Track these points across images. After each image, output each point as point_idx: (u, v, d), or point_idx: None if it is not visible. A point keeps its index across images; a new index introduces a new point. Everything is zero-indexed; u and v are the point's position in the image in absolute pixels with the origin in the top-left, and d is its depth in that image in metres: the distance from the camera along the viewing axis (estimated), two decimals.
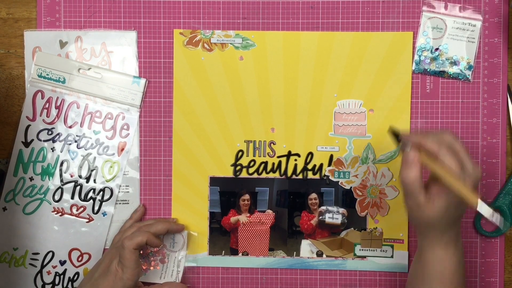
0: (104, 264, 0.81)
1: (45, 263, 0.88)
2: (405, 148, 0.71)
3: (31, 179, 0.87)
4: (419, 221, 0.72)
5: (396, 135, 0.74)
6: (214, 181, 0.88)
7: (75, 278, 0.88)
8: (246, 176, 0.88)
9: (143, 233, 0.79)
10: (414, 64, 0.87)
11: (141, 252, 0.86)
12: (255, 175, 0.88)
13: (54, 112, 0.87)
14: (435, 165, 0.69)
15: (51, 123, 0.88)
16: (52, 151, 0.88)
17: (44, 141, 0.88)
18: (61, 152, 0.88)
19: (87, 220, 0.88)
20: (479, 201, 0.66)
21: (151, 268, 0.87)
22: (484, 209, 0.67)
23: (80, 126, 0.88)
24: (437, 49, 0.87)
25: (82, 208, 0.88)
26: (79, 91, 0.87)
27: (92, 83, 0.87)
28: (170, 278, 0.87)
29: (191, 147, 0.88)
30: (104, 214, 0.88)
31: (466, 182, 0.67)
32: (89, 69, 0.87)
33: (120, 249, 0.79)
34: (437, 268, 0.72)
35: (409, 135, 0.72)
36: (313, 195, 0.88)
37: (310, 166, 0.88)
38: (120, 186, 0.88)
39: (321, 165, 0.88)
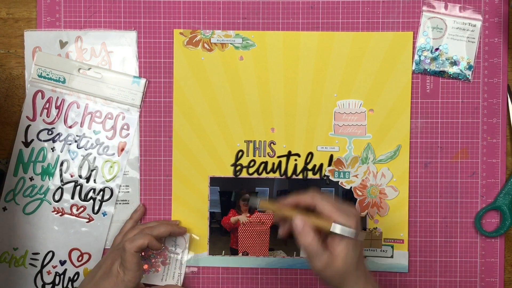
0: (105, 265, 0.81)
1: (45, 263, 0.88)
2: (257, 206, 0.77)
3: (31, 179, 0.87)
4: (334, 280, 0.72)
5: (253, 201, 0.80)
6: (214, 181, 0.88)
7: (75, 278, 0.88)
8: (246, 176, 0.88)
9: (145, 236, 0.79)
10: (414, 64, 0.87)
11: (143, 253, 0.86)
12: (255, 175, 0.88)
13: (54, 112, 0.87)
14: (321, 222, 0.71)
15: (51, 123, 0.88)
16: (52, 151, 0.88)
17: (44, 141, 0.88)
18: (61, 152, 0.88)
19: (87, 220, 0.88)
20: (332, 224, 0.70)
21: (153, 269, 0.87)
22: (337, 228, 0.70)
23: (80, 126, 0.88)
24: (437, 49, 0.87)
25: (82, 208, 0.88)
26: (79, 91, 0.87)
27: (92, 83, 0.87)
28: (171, 281, 0.87)
29: (191, 147, 0.88)
30: (104, 214, 0.88)
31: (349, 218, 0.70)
32: (89, 69, 0.87)
33: (121, 252, 0.79)
34: None
35: (283, 202, 0.75)
36: None
37: (310, 166, 0.88)
38: (120, 186, 0.88)
39: (321, 165, 0.88)
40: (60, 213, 0.88)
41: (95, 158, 0.88)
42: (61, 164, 0.88)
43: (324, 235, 0.72)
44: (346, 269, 0.71)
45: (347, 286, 0.72)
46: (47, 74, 0.87)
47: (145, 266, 0.87)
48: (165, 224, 0.85)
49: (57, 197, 0.88)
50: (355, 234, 0.70)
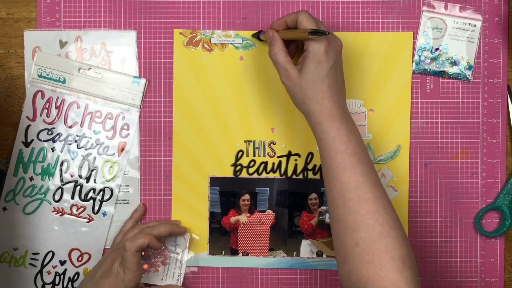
0: (105, 264, 0.81)
1: (45, 263, 0.88)
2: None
3: (31, 179, 0.87)
4: (296, 96, 0.75)
5: (257, 35, 0.85)
6: (214, 181, 0.88)
7: (75, 278, 0.88)
8: (246, 176, 0.88)
9: (145, 236, 0.79)
10: (414, 64, 0.87)
11: (143, 253, 0.86)
12: (255, 175, 0.88)
13: (54, 112, 0.87)
14: (287, 32, 0.77)
15: (51, 123, 0.88)
16: (52, 151, 0.88)
17: (44, 141, 0.88)
18: (61, 152, 0.88)
19: (87, 220, 0.88)
20: (309, 31, 0.72)
21: (153, 268, 0.87)
22: (314, 31, 0.72)
23: (80, 126, 0.88)
24: (437, 49, 0.87)
25: (82, 208, 0.88)
26: (79, 91, 0.87)
27: (92, 83, 0.87)
28: (171, 280, 0.87)
29: (191, 147, 0.88)
30: (104, 214, 0.88)
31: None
32: (89, 69, 0.87)
33: (122, 251, 0.79)
34: (327, 140, 0.73)
35: (272, 23, 0.80)
36: (313, 195, 0.88)
37: (310, 166, 0.88)
38: (120, 186, 0.88)
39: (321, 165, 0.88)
40: (60, 213, 0.88)
41: (95, 158, 0.88)
42: (61, 164, 0.88)
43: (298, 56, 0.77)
44: (307, 84, 0.74)
45: (309, 106, 0.74)
46: (47, 74, 0.87)
47: (145, 266, 0.87)
48: (165, 223, 0.85)
49: (57, 197, 0.88)
50: (326, 33, 0.72)
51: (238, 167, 0.88)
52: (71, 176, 0.88)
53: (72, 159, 0.88)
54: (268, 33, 0.79)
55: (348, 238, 0.70)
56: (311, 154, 0.88)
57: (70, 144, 0.88)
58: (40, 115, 0.88)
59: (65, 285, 0.88)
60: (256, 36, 0.86)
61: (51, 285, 0.88)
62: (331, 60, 0.74)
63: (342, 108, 0.74)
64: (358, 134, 0.74)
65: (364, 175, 0.71)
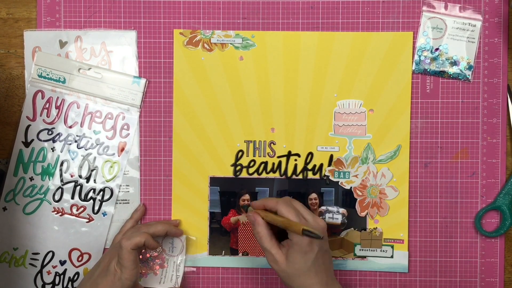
0: (103, 263, 0.81)
1: (45, 263, 0.88)
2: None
3: (31, 179, 0.87)
4: (284, 280, 0.76)
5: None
6: (214, 181, 0.88)
7: (75, 278, 0.88)
8: (246, 176, 0.88)
9: (141, 234, 0.79)
10: (414, 64, 0.87)
11: (141, 257, 0.86)
12: (255, 175, 0.88)
13: (54, 112, 0.87)
14: (272, 216, 0.76)
15: (51, 123, 0.88)
16: (52, 151, 0.88)
17: (44, 141, 0.88)
18: (61, 152, 0.88)
19: (87, 220, 0.88)
20: (303, 227, 0.72)
21: (151, 272, 0.87)
22: (308, 232, 0.72)
23: (80, 126, 0.88)
24: (437, 49, 0.87)
25: (82, 208, 0.88)
26: (79, 91, 0.87)
27: (92, 83, 0.87)
28: (169, 283, 0.87)
29: (191, 147, 0.88)
30: (104, 214, 0.88)
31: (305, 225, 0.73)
32: (89, 69, 0.87)
33: (118, 249, 0.79)
34: None
35: (253, 203, 0.81)
36: (313, 195, 0.88)
37: (310, 166, 0.88)
38: (120, 186, 0.88)
39: (321, 165, 0.88)
40: (60, 213, 0.88)
41: (95, 158, 0.88)
42: (61, 164, 0.88)
43: (281, 239, 0.77)
44: (293, 273, 0.74)
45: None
46: (47, 74, 0.87)
47: (143, 270, 0.87)
48: (162, 222, 0.85)
49: (57, 197, 0.88)
50: (320, 237, 0.72)
51: (238, 167, 0.88)
52: (71, 176, 0.88)
53: (72, 159, 0.88)
54: (249, 216, 0.79)
55: None
56: (311, 154, 0.88)
57: (70, 144, 0.88)
58: (40, 115, 0.88)
59: (65, 285, 0.88)
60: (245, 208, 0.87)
61: (51, 285, 0.88)
62: (316, 248, 0.74)
63: (330, 287, 0.76)
64: None
65: None
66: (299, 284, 0.75)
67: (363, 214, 0.88)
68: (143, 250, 0.86)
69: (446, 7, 0.87)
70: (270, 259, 0.76)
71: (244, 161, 0.88)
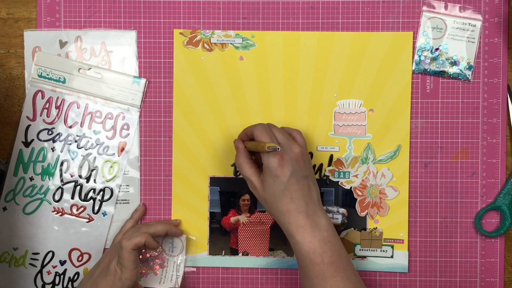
0: (103, 263, 0.81)
1: (45, 263, 0.88)
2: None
3: (31, 179, 0.87)
4: (266, 209, 0.77)
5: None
6: (214, 181, 0.88)
7: (75, 278, 0.88)
8: None
9: (142, 234, 0.79)
10: (414, 64, 0.87)
11: (141, 257, 0.86)
12: None
13: (54, 112, 0.87)
14: (248, 143, 0.78)
15: (51, 123, 0.88)
16: (52, 151, 0.88)
17: (44, 141, 0.88)
18: (61, 152, 0.88)
19: (87, 220, 0.88)
20: (267, 144, 0.73)
21: (151, 272, 0.87)
22: (271, 148, 0.73)
23: (80, 126, 0.88)
24: (437, 49, 0.87)
25: (82, 208, 0.88)
26: (79, 91, 0.87)
27: (92, 83, 0.87)
28: (169, 283, 0.87)
29: (191, 147, 0.88)
30: (104, 214, 0.88)
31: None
32: (89, 69, 0.87)
33: (118, 249, 0.79)
34: (302, 253, 0.74)
35: (241, 133, 0.81)
36: None
37: None
38: (120, 186, 0.88)
39: (321, 165, 0.88)
40: (60, 213, 0.88)
41: (95, 158, 0.88)
42: (61, 164, 0.88)
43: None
44: (268, 198, 0.76)
45: (279, 220, 0.76)
46: (47, 74, 0.87)
47: (143, 270, 0.87)
48: (163, 222, 0.85)
49: (57, 197, 0.88)
50: (276, 148, 0.73)
51: None
52: (71, 176, 0.88)
53: (72, 159, 0.88)
54: (234, 143, 0.81)
55: None
56: (311, 154, 0.88)
57: (70, 144, 0.88)
58: (40, 115, 0.88)
59: (65, 285, 0.88)
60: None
61: (51, 285, 0.88)
62: (287, 172, 0.74)
63: (311, 217, 0.74)
64: (333, 238, 0.75)
65: (344, 280, 0.73)
66: (276, 210, 0.75)
67: (363, 214, 0.88)
68: (143, 250, 0.86)
69: (446, 7, 0.87)
70: (250, 186, 0.78)
71: None
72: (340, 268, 0.73)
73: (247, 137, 0.81)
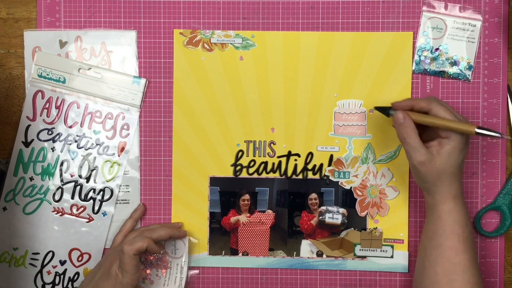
0: (104, 266, 0.81)
1: (45, 263, 0.88)
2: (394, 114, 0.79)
3: (31, 179, 0.87)
4: (428, 178, 0.76)
5: (384, 110, 0.81)
6: (214, 181, 0.88)
7: (75, 278, 0.88)
8: (246, 176, 0.88)
9: (144, 239, 0.79)
10: (414, 64, 0.87)
11: (145, 258, 0.86)
12: (255, 175, 0.88)
13: (54, 112, 0.87)
14: (427, 118, 0.76)
15: (51, 123, 0.88)
16: (52, 151, 0.88)
17: (44, 141, 0.88)
18: (61, 152, 0.88)
19: (87, 220, 0.88)
20: (476, 127, 0.73)
21: (154, 275, 0.87)
22: (484, 131, 0.74)
23: (80, 126, 0.88)
24: (437, 49, 0.87)
25: (82, 208, 0.88)
26: (79, 91, 0.87)
27: (92, 83, 0.87)
28: (173, 285, 0.87)
29: (191, 147, 0.88)
30: (104, 214, 0.88)
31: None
32: (89, 69, 0.87)
33: (120, 254, 0.79)
34: (448, 220, 0.76)
35: (398, 104, 0.79)
36: (313, 195, 0.88)
37: (310, 166, 0.88)
38: (120, 186, 0.88)
39: (321, 165, 0.88)
40: (60, 213, 0.88)
41: (95, 158, 0.88)
42: (61, 164, 0.88)
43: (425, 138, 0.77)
44: (444, 169, 0.75)
45: (439, 187, 0.76)
46: (47, 74, 0.87)
47: (147, 271, 0.87)
48: (166, 227, 0.85)
49: (57, 197, 0.88)
50: (500, 135, 0.74)
51: (238, 167, 0.88)
52: (71, 176, 0.88)
53: (72, 159, 0.88)
54: (397, 117, 0.77)
55: None
56: (311, 154, 0.88)
57: (70, 144, 0.88)
58: (40, 115, 0.88)
59: (65, 285, 0.88)
60: (382, 110, 0.82)
61: (51, 285, 0.88)
62: (468, 146, 0.77)
63: (462, 191, 0.78)
64: (470, 219, 0.78)
65: (472, 260, 0.76)
66: (443, 178, 0.75)
67: (363, 214, 0.88)
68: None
69: (446, 7, 0.87)
70: (416, 157, 0.75)
71: (244, 161, 0.88)
72: (472, 247, 0.76)
73: (410, 108, 0.78)
